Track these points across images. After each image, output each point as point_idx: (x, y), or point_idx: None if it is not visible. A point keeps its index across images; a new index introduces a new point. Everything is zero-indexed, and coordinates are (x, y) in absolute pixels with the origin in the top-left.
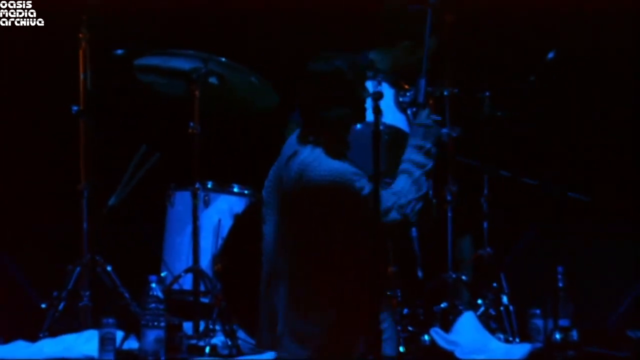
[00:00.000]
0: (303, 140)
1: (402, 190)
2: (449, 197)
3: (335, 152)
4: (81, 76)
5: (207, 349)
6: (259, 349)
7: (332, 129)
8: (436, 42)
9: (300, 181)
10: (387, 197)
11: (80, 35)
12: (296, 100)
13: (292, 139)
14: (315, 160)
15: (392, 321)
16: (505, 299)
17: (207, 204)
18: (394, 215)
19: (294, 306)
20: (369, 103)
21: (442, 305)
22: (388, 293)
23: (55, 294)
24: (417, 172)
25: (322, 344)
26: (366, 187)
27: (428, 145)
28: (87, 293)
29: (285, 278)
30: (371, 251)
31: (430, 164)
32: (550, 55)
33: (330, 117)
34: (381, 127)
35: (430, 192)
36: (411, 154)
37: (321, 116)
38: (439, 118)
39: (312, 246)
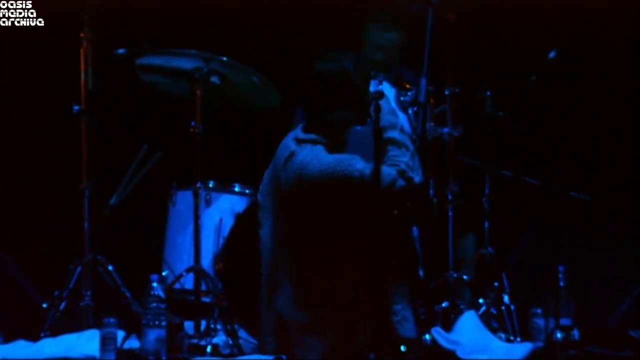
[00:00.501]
0: (301, 140)
1: (396, 157)
2: (450, 197)
3: (334, 151)
4: (82, 75)
5: (209, 349)
6: (261, 352)
7: (335, 129)
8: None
9: (300, 180)
10: (388, 171)
11: (82, 34)
12: (300, 98)
13: (287, 140)
14: (314, 158)
15: (407, 303)
16: (506, 298)
17: (208, 203)
18: (400, 183)
19: (300, 306)
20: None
21: (444, 304)
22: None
23: (56, 293)
24: (395, 134)
25: (331, 342)
26: (367, 167)
27: (384, 105)
28: (89, 292)
29: (288, 278)
30: (373, 245)
31: (398, 121)
32: (551, 55)
33: (334, 116)
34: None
35: (432, 191)
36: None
37: (325, 115)
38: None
39: (314, 244)
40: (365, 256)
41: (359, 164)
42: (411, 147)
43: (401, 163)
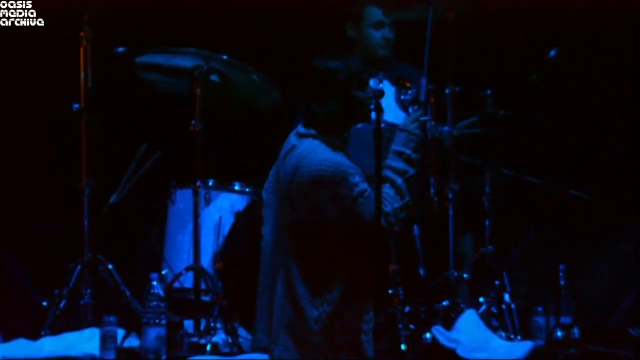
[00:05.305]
0: (302, 134)
1: (387, 197)
2: (450, 196)
3: (333, 146)
4: (82, 74)
5: (208, 347)
6: (253, 349)
7: (327, 124)
8: None
9: (297, 172)
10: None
11: (81, 33)
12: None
13: (291, 136)
14: (312, 151)
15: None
16: (507, 297)
17: (208, 201)
18: (381, 222)
19: (290, 302)
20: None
21: (444, 303)
22: (389, 291)
23: (56, 292)
24: (399, 180)
25: (318, 340)
26: (360, 184)
27: (408, 152)
28: (89, 291)
29: (281, 274)
30: (368, 247)
31: (411, 171)
32: (552, 53)
33: (321, 111)
34: (382, 125)
35: (432, 190)
36: (392, 160)
37: (314, 110)
38: (426, 118)
39: (309, 240)
40: (361, 257)
41: (353, 178)
42: (408, 197)
43: (389, 205)
